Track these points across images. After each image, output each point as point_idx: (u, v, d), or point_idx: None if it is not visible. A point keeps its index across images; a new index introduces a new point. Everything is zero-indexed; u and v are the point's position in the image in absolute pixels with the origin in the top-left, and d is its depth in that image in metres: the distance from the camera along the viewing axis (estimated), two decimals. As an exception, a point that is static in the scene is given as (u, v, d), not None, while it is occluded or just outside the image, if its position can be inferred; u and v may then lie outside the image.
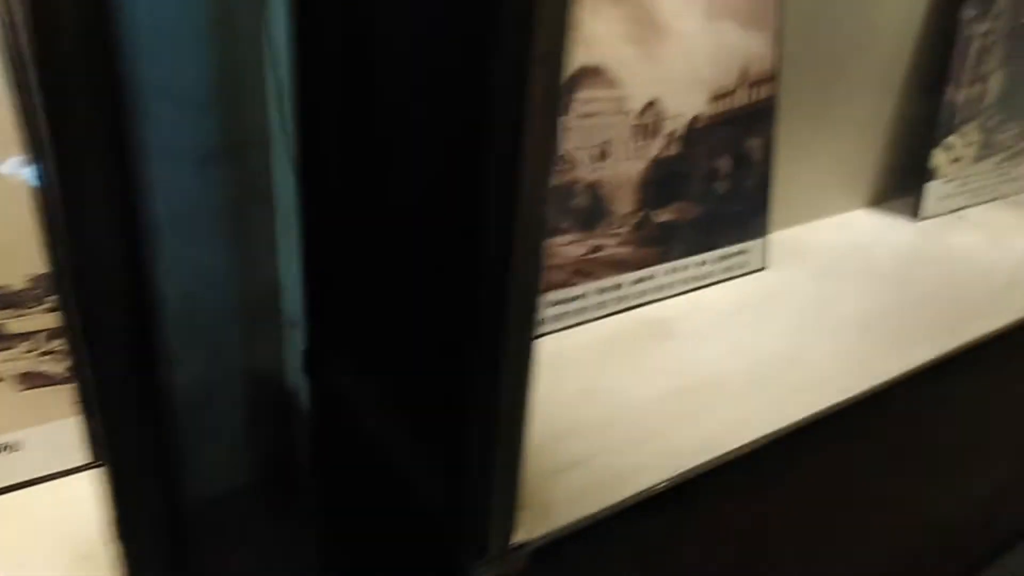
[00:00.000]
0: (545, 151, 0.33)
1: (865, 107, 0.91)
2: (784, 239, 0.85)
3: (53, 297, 0.45)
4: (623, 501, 0.47)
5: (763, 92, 0.75)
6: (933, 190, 0.95)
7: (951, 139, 0.95)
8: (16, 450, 0.46)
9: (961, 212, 1.00)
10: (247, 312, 0.62)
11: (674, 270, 0.73)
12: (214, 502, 0.65)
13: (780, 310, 0.72)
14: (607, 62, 0.64)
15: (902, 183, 0.98)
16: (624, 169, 0.68)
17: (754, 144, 0.76)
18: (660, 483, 0.49)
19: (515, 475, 0.42)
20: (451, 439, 0.42)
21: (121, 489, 0.27)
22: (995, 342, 0.70)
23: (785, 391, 0.59)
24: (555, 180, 0.64)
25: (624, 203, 0.69)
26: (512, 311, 0.36)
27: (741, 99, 0.74)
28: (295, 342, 0.63)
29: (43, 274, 0.44)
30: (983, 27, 0.93)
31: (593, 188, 0.67)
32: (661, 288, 0.73)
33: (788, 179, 0.85)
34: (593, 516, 0.46)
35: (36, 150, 0.22)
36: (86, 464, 0.47)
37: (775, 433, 0.55)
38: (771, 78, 0.75)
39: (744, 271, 0.78)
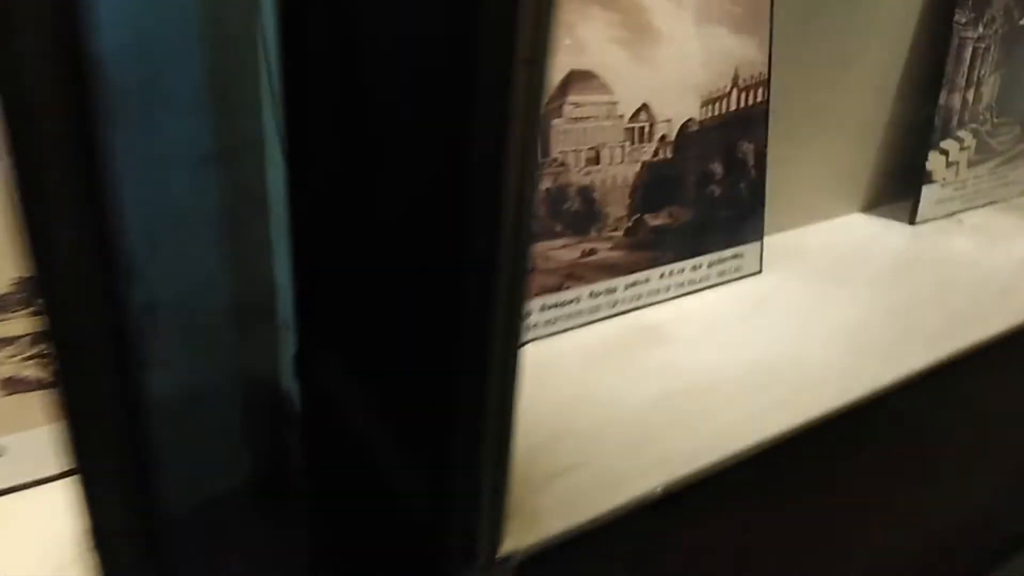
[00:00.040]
0: (529, 154, 0.33)
1: (861, 111, 0.91)
2: (780, 243, 0.85)
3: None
4: (615, 509, 0.46)
5: (756, 96, 0.75)
6: (929, 194, 0.95)
7: (946, 143, 0.95)
8: (-1, 456, 0.46)
9: (957, 216, 0.99)
10: (242, 314, 0.62)
11: (668, 274, 0.73)
12: (207, 505, 0.65)
13: (775, 315, 0.72)
14: (599, 66, 0.64)
15: (898, 187, 0.98)
16: (617, 173, 0.68)
17: (747, 148, 0.76)
18: (653, 490, 0.48)
19: (502, 482, 0.41)
20: (437, 445, 0.41)
21: (94, 498, 0.27)
22: (991, 348, 0.69)
23: (780, 397, 0.59)
24: (547, 184, 0.63)
25: (617, 207, 0.68)
26: (497, 316, 0.36)
27: (734, 103, 0.74)
28: (289, 345, 0.63)
29: (27, 277, 0.44)
30: (977, 31, 0.93)
31: (586, 192, 0.66)
32: (655, 292, 0.72)
33: (784, 183, 0.84)
34: (584, 525, 0.45)
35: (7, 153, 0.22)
36: (71, 471, 0.47)
37: (770, 439, 0.55)
38: (764, 82, 0.75)
39: (739, 275, 0.78)
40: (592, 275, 0.68)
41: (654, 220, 0.71)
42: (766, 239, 0.80)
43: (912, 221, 0.95)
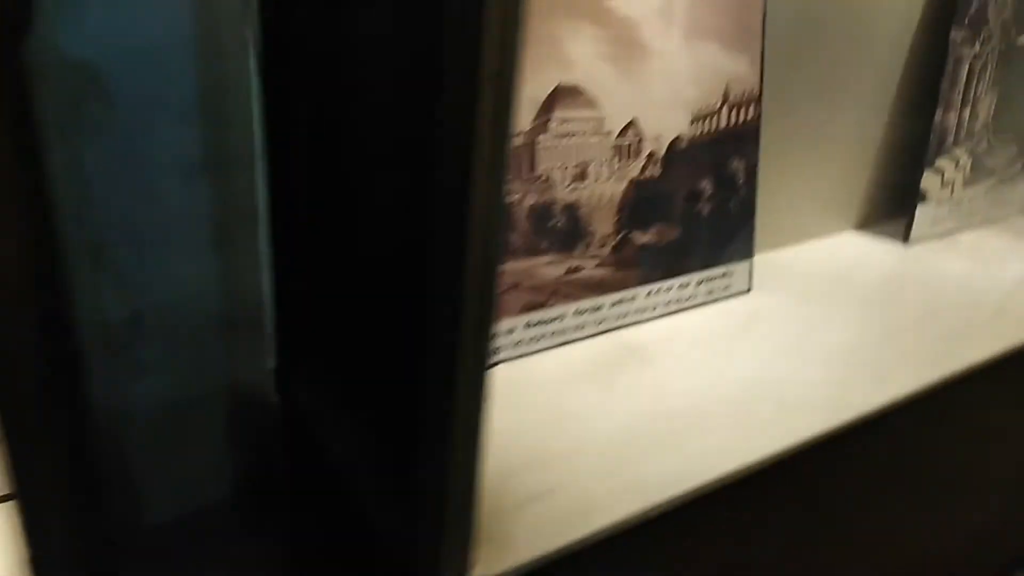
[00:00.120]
0: (496, 173, 0.32)
1: (855, 128, 0.90)
2: (771, 261, 0.84)
3: None
4: (588, 536, 0.45)
5: (747, 113, 0.74)
6: (923, 213, 0.94)
7: (941, 162, 0.94)
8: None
9: (952, 236, 0.98)
10: (229, 325, 0.61)
11: (655, 292, 0.72)
12: (190, 516, 0.64)
13: (763, 335, 0.70)
14: (586, 82, 0.63)
15: (893, 206, 0.97)
16: (603, 190, 0.67)
17: (738, 165, 0.75)
18: (628, 518, 0.47)
19: (470, 508, 0.40)
20: (404, 469, 0.40)
21: (33, 525, 0.26)
22: (982, 371, 0.68)
23: (764, 420, 0.58)
24: (533, 200, 0.63)
25: (604, 224, 0.68)
26: (464, 339, 0.35)
27: (724, 120, 0.73)
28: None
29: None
30: (973, 50, 0.92)
31: (572, 209, 0.65)
32: (641, 311, 0.71)
33: (777, 200, 0.84)
34: (555, 552, 0.44)
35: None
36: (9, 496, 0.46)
37: (752, 465, 0.54)
38: (755, 99, 0.74)
39: (728, 294, 0.77)
40: (577, 292, 0.67)
41: (641, 237, 0.70)
42: (757, 257, 0.79)
43: (906, 240, 0.94)
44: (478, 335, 0.36)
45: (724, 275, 0.76)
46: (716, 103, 0.72)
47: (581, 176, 0.65)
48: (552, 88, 0.62)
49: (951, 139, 0.94)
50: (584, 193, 0.66)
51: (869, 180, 0.95)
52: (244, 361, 0.63)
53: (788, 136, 0.83)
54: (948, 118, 0.93)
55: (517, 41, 0.30)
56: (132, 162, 0.52)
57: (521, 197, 0.62)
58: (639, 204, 0.69)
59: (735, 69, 0.72)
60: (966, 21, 0.90)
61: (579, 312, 0.68)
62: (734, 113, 0.74)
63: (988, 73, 0.95)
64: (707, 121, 0.72)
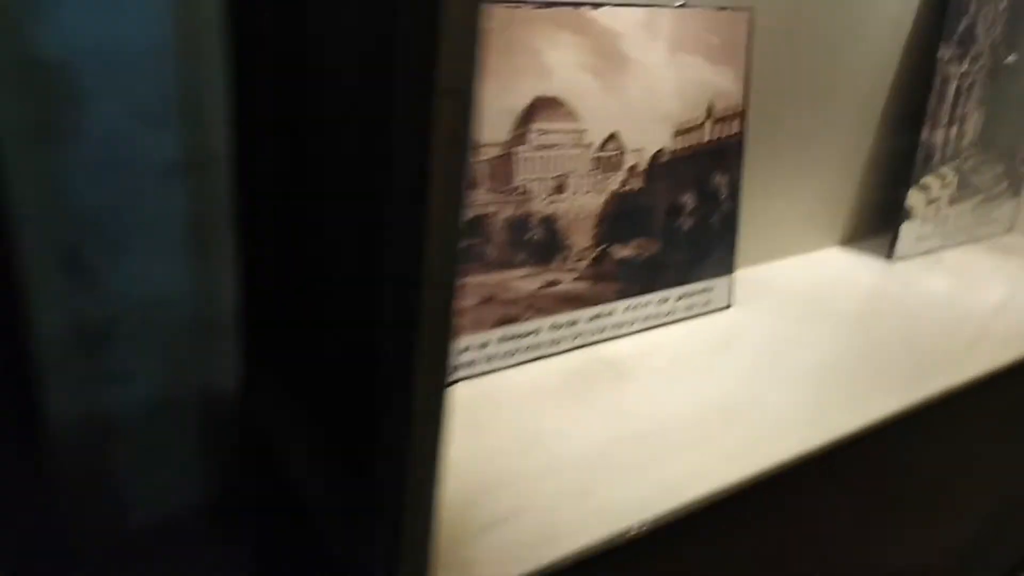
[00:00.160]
0: (453, 191, 0.31)
1: (841, 145, 0.89)
2: (753, 277, 0.83)
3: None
4: (553, 563, 0.44)
5: (731, 128, 0.73)
6: (908, 231, 0.94)
7: (927, 180, 0.94)
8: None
9: (936, 254, 0.98)
10: (203, 330, 0.60)
11: (633, 307, 0.71)
12: (160, 523, 0.63)
13: (741, 352, 0.69)
14: (567, 93, 0.62)
15: (878, 222, 0.97)
16: (583, 203, 0.66)
17: (721, 180, 0.74)
18: (597, 543, 0.46)
19: (428, 531, 0.39)
20: (358, 491, 0.39)
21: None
22: (959, 396, 0.67)
23: (740, 441, 0.57)
24: (509, 212, 0.61)
25: (582, 237, 0.66)
26: (421, 358, 0.34)
27: (708, 134, 0.72)
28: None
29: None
30: (961, 68, 0.92)
31: (549, 221, 0.64)
32: (619, 326, 0.70)
33: (760, 215, 0.83)
34: (518, 578, 0.43)
35: None
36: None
37: (727, 488, 0.52)
38: (740, 113, 0.73)
39: (708, 310, 0.76)
40: (554, 306, 0.66)
41: (621, 251, 0.69)
42: (740, 272, 0.78)
43: (890, 257, 0.93)
44: (435, 354, 0.34)
45: (704, 290, 0.75)
46: (700, 117, 0.71)
47: (560, 188, 0.64)
48: (531, 99, 0.60)
49: (938, 157, 0.94)
50: (563, 206, 0.65)
51: (854, 196, 0.94)
52: (216, 366, 0.62)
53: (773, 151, 0.82)
54: (935, 136, 0.92)
55: (476, 52, 0.29)
56: (105, 165, 0.51)
57: (497, 209, 0.61)
58: (619, 217, 0.68)
59: (720, 83, 0.71)
60: (954, 39, 0.89)
61: (555, 326, 0.66)
62: (718, 127, 0.73)
63: (976, 91, 0.95)
64: (690, 135, 0.71)
